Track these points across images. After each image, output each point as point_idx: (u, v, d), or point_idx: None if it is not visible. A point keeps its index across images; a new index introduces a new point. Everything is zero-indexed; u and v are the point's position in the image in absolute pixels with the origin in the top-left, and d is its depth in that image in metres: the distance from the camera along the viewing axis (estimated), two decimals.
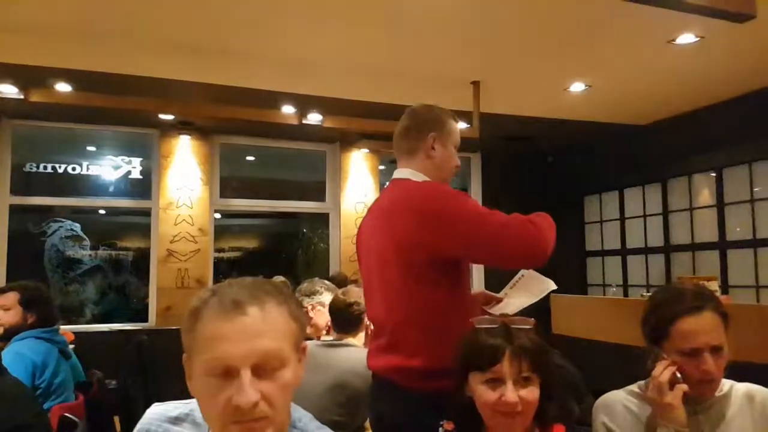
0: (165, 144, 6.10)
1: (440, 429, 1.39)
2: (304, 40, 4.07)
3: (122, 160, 6.23)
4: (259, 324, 0.91)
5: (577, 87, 5.17)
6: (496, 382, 1.25)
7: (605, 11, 3.63)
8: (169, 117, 5.54)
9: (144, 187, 6.23)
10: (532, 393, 1.23)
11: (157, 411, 1.10)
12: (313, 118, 4.87)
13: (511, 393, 1.22)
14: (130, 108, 4.82)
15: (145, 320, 6.06)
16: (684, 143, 5.90)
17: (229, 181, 6.61)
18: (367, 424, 2.38)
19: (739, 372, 1.47)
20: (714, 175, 5.79)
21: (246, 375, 0.88)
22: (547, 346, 1.33)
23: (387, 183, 1.92)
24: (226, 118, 5.08)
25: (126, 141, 6.29)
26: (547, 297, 4.74)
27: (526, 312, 1.51)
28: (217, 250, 6.69)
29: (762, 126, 5.17)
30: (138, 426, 1.08)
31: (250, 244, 7.61)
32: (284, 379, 0.92)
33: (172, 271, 6.00)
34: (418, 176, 1.77)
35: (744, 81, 5.00)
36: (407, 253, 1.62)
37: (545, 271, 1.80)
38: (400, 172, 1.83)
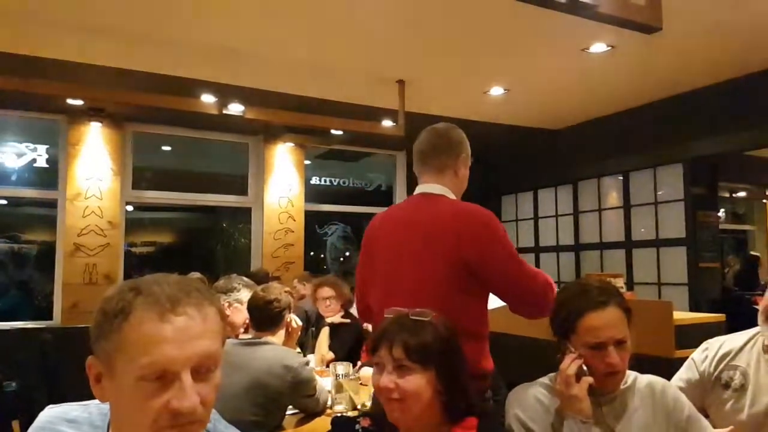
0: (73, 131, 5.75)
1: (357, 426, 1.39)
2: (227, 29, 3.94)
3: (26, 147, 5.83)
4: (199, 325, 0.88)
5: (497, 91, 5.33)
6: (379, 367, 1.29)
7: (523, 19, 3.75)
8: (78, 102, 5.23)
9: (50, 176, 5.85)
10: (409, 382, 1.25)
11: (53, 413, 1.03)
12: (235, 108, 4.72)
13: (384, 378, 1.26)
14: (36, 92, 4.48)
15: (50, 318, 5.69)
16: (594, 147, 6.22)
17: (143, 172, 6.32)
18: (285, 423, 2.35)
19: (641, 364, 1.56)
20: (621, 178, 6.14)
21: (187, 378, 0.84)
22: (453, 340, 1.34)
23: (414, 192, 2.01)
24: (141, 105, 4.83)
25: (31, 127, 5.88)
26: None
27: None
28: (129, 245, 6.39)
29: (666, 133, 5.54)
30: (31, 428, 1.01)
31: (165, 238, 7.29)
32: (216, 380, 0.90)
33: (80, 266, 5.67)
34: (449, 193, 1.92)
35: (651, 90, 5.33)
36: (455, 267, 1.75)
37: None
38: (432, 187, 1.93)
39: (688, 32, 3.97)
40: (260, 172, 6.69)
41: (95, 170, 5.81)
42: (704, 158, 5.46)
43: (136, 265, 6.43)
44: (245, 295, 2.67)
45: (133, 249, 6.61)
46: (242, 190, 6.79)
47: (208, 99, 4.80)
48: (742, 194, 8.93)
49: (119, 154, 5.96)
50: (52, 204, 5.81)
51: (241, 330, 2.72)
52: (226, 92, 4.88)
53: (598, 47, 4.26)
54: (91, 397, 0.95)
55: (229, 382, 2.11)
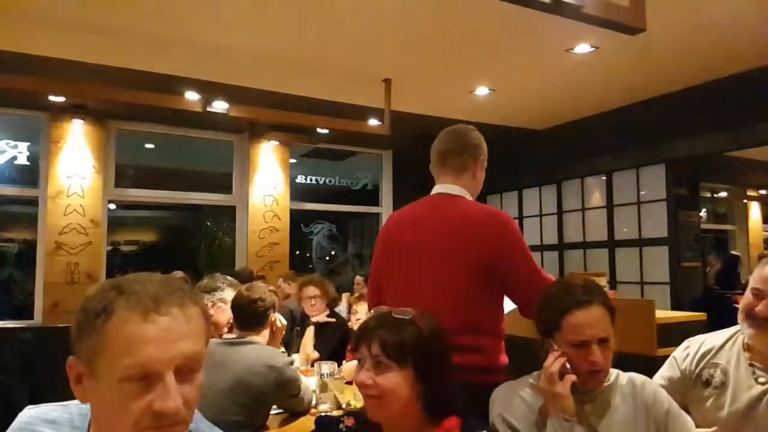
0: (55, 128, 5.68)
1: (341, 425, 1.38)
2: (212, 26, 3.91)
3: (7, 144, 5.74)
4: (183, 325, 0.86)
5: (482, 91, 5.35)
6: (360, 363, 1.31)
7: (508, 19, 3.77)
8: (60, 99, 5.15)
9: (31, 173, 5.77)
10: (386, 379, 1.26)
11: (32, 413, 1.01)
12: (219, 106, 4.68)
13: (362, 374, 1.28)
14: (16, 87, 4.40)
15: (31, 317, 5.60)
16: (578, 148, 6.27)
17: (126, 170, 6.25)
18: (269, 422, 2.33)
19: (623, 362, 1.57)
20: (604, 178, 6.20)
21: (171, 380, 0.83)
22: (435, 340, 1.34)
23: (431, 192, 2.04)
24: (124, 102, 4.76)
25: (12, 124, 5.79)
26: None
27: None
28: (111, 244, 6.31)
29: (648, 133, 5.60)
30: (10, 429, 1.00)
31: (148, 237, 7.23)
32: (200, 380, 0.89)
33: (61, 265, 5.59)
34: (467, 194, 1.96)
35: (634, 91, 5.38)
36: (474, 266, 1.79)
37: None
38: (450, 188, 1.97)
39: (671, 34, 4.02)
40: (245, 170, 6.65)
41: (77, 168, 5.73)
42: (686, 159, 5.53)
43: (118, 264, 6.37)
44: (229, 294, 2.65)
45: (116, 248, 6.54)
46: (227, 189, 6.75)
47: (192, 96, 4.76)
48: (723, 194, 9.07)
49: (102, 152, 5.89)
50: (34, 202, 5.74)
51: (225, 329, 2.70)
52: (210, 90, 4.85)
53: (582, 48, 4.30)
54: (71, 397, 0.93)
55: (213, 382, 2.08)
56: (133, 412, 0.82)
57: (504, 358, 1.88)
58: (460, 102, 5.66)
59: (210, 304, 2.63)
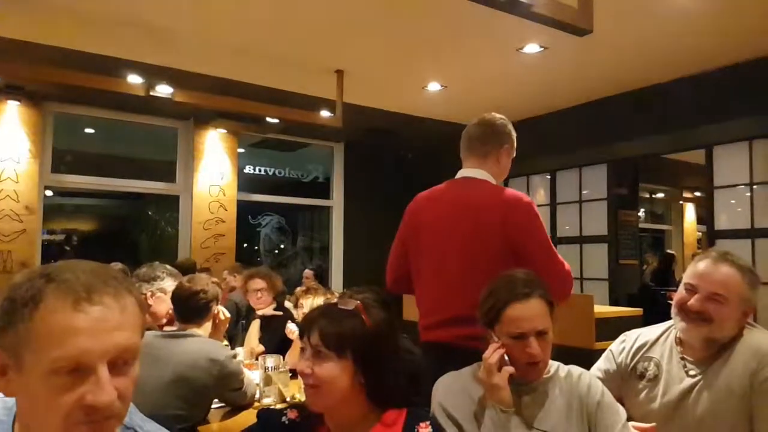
0: None
1: (283, 418, 1.36)
2: (157, 7, 3.77)
3: None
4: (116, 315, 0.83)
5: (434, 86, 5.38)
6: (302, 352, 1.31)
7: (461, 16, 3.80)
8: None
9: None
10: (324, 369, 1.26)
11: None
12: (163, 90, 4.51)
13: (301, 362, 1.29)
14: None
15: None
16: (525, 146, 6.35)
17: (64, 155, 5.98)
18: (211, 416, 2.28)
19: (563, 355, 1.61)
20: (549, 177, 6.35)
21: (104, 372, 0.80)
22: (380, 331, 1.33)
23: (455, 177, 2.20)
24: (62, 83, 4.53)
25: None
26: None
27: None
28: (47, 232, 6.04)
29: (593, 134, 5.76)
30: None
31: (86, 226, 6.95)
32: (135, 373, 0.87)
33: None
34: (491, 179, 2.10)
35: (580, 92, 5.53)
36: (499, 245, 1.93)
37: None
38: (475, 172, 2.11)
39: (616, 37, 4.14)
40: (189, 158, 6.47)
41: (11, 152, 5.44)
42: (626, 160, 5.72)
43: (54, 253, 6.09)
44: (169, 284, 2.57)
45: (52, 236, 6.26)
46: (170, 177, 6.54)
47: (134, 80, 4.58)
48: (660, 195, 9.45)
49: (38, 136, 5.60)
50: None
51: (164, 321, 2.62)
52: (154, 73, 4.68)
53: (532, 48, 4.38)
54: None
55: (151, 376, 2.03)
56: (63, 406, 0.79)
57: None
58: (413, 97, 5.68)
59: (149, 294, 2.54)
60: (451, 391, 1.54)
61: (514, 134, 2.22)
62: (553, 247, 2.01)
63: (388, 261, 2.31)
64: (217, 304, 2.42)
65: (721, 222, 4.80)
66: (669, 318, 1.77)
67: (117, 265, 3.73)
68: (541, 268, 1.91)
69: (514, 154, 2.24)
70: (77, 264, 0.87)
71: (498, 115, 2.21)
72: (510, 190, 2.05)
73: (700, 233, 9.52)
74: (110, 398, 0.80)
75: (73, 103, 5.85)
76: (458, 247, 1.99)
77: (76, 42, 4.32)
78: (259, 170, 7.46)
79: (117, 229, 7.26)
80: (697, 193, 9.09)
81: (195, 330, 2.30)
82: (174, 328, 2.38)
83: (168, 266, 2.70)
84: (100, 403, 0.79)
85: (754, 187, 4.57)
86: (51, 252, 5.99)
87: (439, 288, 2.04)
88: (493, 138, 2.15)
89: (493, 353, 1.45)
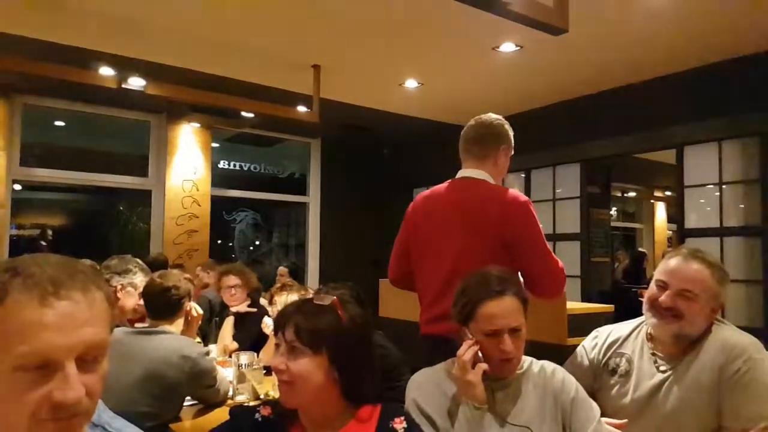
0: None
1: (257, 415, 1.34)
2: None
3: None
4: (85, 310, 0.81)
5: (411, 83, 5.38)
6: (277, 348, 1.29)
7: (438, 13, 3.80)
8: None
9: None
10: (299, 365, 1.25)
11: None
12: (135, 83, 4.43)
13: (276, 358, 1.27)
14: None
15: None
16: None
17: (33, 148, 5.83)
18: (183, 414, 2.25)
19: (536, 350, 1.62)
20: (524, 175, 6.41)
21: (71, 368, 0.78)
22: (356, 327, 1.32)
23: (455, 176, 2.27)
24: (32, 75, 4.41)
25: None
26: (377, 281, 4.85)
27: None
28: (16, 227, 5.89)
29: (566, 133, 5.83)
30: None
31: (56, 221, 6.78)
32: (103, 369, 0.85)
33: None
34: (489, 178, 2.16)
35: (554, 91, 5.59)
36: (493, 242, 2.00)
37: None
38: (473, 172, 2.18)
39: (591, 38, 4.19)
40: (162, 152, 6.37)
41: None
42: (599, 159, 5.80)
43: (22, 248, 5.94)
44: (140, 279, 2.52)
45: (20, 231, 6.11)
46: (142, 172, 6.43)
47: (106, 72, 4.48)
48: (632, 194, 9.60)
49: (6, 128, 5.47)
50: None
51: (135, 317, 2.57)
52: (126, 65, 4.58)
53: (508, 47, 4.40)
54: None
55: (121, 373, 2.00)
56: (29, 404, 0.77)
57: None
58: (390, 93, 5.67)
59: (119, 287, 2.49)
60: (424, 387, 1.54)
61: (511, 133, 2.26)
62: (548, 246, 2.07)
63: (390, 260, 2.40)
64: (189, 301, 2.39)
65: (691, 221, 4.90)
66: (639, 314, 1.80)
67: (86, 262, 3.64)
68: (535, 265, 2.03)
69: (513, 153, 2.29)
70: (44, 258, 0.84)
71: (494, 116, 2.26)
72: (507, 190, 2.11)
73: (671, 232, 9.70)
74: (78, 395, 0.78)
75: (43, 95, 5.72)
76: (456, 244, 2.05)
77: (47, 33, 4.21)
78: (234, 165, 7.38)
79: (87, 225, 7.10)
80: (668, 193, 9.25)
81: (167, 327, 2.27)
82: (145, 324, 2.34)
83: (138, 260, 2.65)
84: (67, 401, 0.77)
85: (723, 186, 4.67)
86: (19, 247, 5.85)
87: (439, 283, 2.09)
88: (490, 139, 2.21)
89: (467, 350, 1.45)
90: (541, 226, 2.07)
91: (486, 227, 2.02)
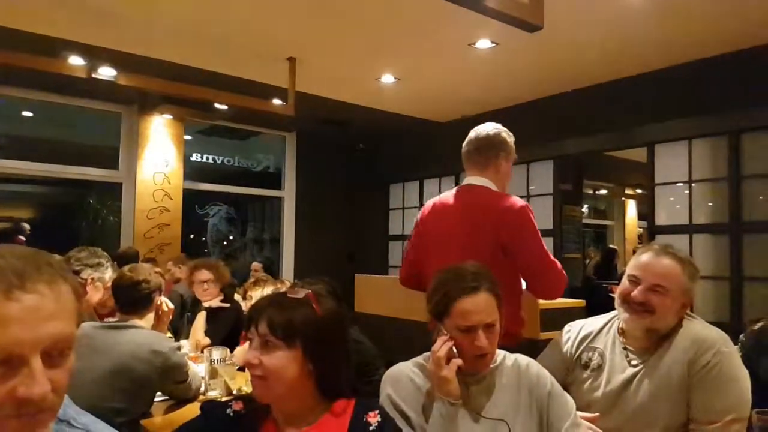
0: None
1: (228, 410, 1.32)
2: None
3: None
4: (51, 304, 0.79)
5: (388, 78, 5.37)
6: (250, 343, 1.29)
7: (415, 8, 3.80)
8: None
9: None
10: (273, 359, 1.23)
11: None
12: (106, 72, 4.32)
13: (249, 353, 1.26)
14: None
15: None
16: None
17: None
18: (153, 410, 2.22)
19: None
20: None
21: (37, 363, 0.76)
22: (330, 320, 1.31)
23: (460, 184, 2.40)
24: None
25: None
26: (352, 276, 4.85)
27: None
28: None
29: (541, 130, 5.88)
30: None
31: (23, 214, 6.60)
32: (70, 364, 0.82)
33: None
34: (491, 185, 2.29)
35: (528, 89, 5.63)
36: (493, 246, 2.11)
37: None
38: (477, 180, 2.31)
39: (565, 36, 4.23)
40: (133, 144, 6.25)
41: None
42: (571, 157, 5.87)
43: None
44: (109, 275, 2.47)
45: None
46: (113, 164, 6.31)
47: (76, 61, 4.37)
48: (603, 192, 9.75)
49: None
50: None
51: (91, 311, 2.51)
52: (97, 55, 4.48)
53: (483, 43, 4.42)
54: None
55: (90, 367, 1.95)
56: None
57: (517, 328, 2.14)
58: (367, 88, 5.65)
59: (89, 280, 2.43)
60: (399, 382, 1.53)
61: (509, 140, 2.38)
62: (545, 248, 2.16)
63: (401, 263, 2.57)
64: (160, 295, 2.35)
65: (661, 218, 4.99)
66: (610, 309, 1.82)
67: (56, 257, 3.55)
68: (533, 267, 2.15)
69: (515, 157, 2.42)
70: (8, 249, 0.81)
71: (491, 125, 2.40)
72: (506, 196, 2.23)
73: (641, 229, 9.87)
74: (44, 391, 0.76)
75: (10, 85, 5.56)
76: (458, 247, 2.15)
77: (14, 20, 4.09)
78: (207, 158, 7.28)
79: (56, 218, 6.93)
80: (639, 190, 9.41)
81: (136, 321, 2.23)
82: (114, 319, 2.29)
83: (107, 255, 2.59)
84: (32, 396, 0.75)
85: (693, 184, 4.77)
86: None
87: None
88: (488, 149, 2.33)
89: (441, 346, 1.45)
90: (538, 230, 2.19)
91: (485, 231, 2.14)
